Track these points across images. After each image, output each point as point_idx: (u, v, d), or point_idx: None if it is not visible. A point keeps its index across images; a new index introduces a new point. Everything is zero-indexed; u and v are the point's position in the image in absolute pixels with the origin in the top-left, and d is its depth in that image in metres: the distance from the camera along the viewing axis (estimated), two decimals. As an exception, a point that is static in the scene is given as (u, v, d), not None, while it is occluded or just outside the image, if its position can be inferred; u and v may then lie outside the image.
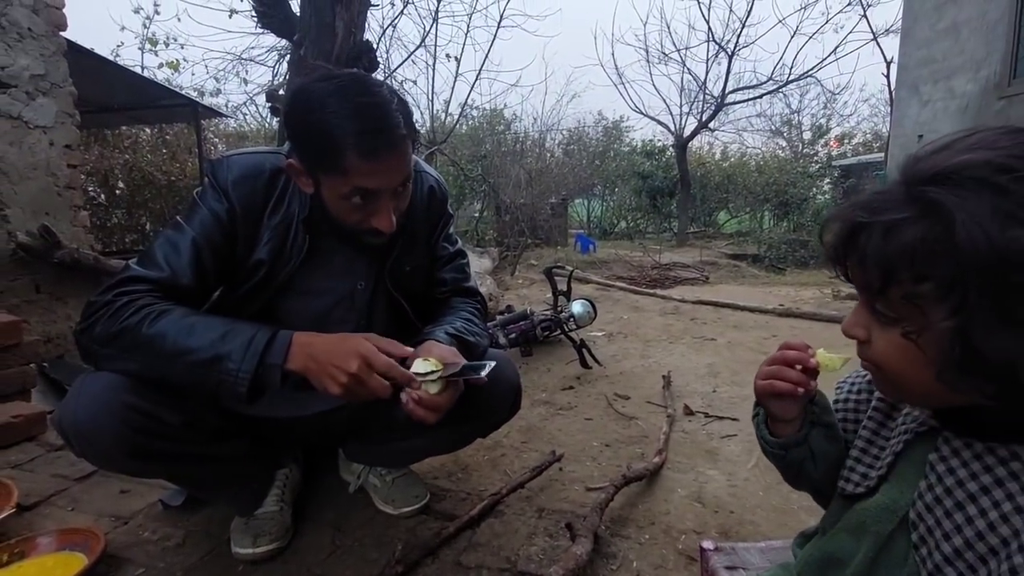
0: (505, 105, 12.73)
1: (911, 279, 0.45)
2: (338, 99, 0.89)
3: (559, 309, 3.05)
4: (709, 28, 10.93)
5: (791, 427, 0.66)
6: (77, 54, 3.20)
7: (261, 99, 8.56)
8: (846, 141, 16.04)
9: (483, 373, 0.96)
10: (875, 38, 9.56)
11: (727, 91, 11.22)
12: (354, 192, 0.93)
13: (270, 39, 6.74)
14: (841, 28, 15.24)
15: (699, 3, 10.78)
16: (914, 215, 0.45)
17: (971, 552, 0.47)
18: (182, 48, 9.10)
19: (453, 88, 7.92)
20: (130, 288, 0.95)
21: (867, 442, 0.62)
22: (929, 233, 0.44)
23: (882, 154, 8.52)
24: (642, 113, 12.21)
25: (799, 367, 0.61)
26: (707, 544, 0.82)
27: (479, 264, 5.04)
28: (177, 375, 0.92)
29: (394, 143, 0.92)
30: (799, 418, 0.65)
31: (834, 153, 15.07)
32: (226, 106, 8.76)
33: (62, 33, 2.95)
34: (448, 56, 7.97)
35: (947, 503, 0.50)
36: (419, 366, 0.93)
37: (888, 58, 8.96)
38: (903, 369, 0.50)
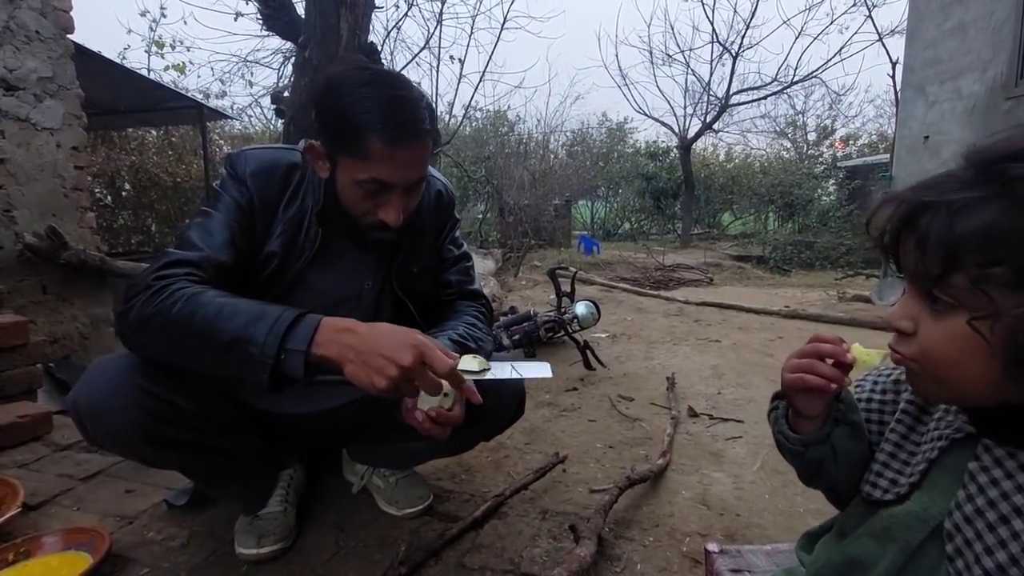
0: (509, 107, 12.80)
1: (980, 263, 0.42)
2: (371, 88, 0.92)
3: (563, 310, 3.04)
4: (713, 29, 10.95)
5: (813, 424, 0.62)
6: (84, 57, 3.22)
7: (266, 101, 8.61)
8: (851, 142, 15.98)
9: (526, 374, 0.92)
10: (880, 39, 9.51)
11: (731, 92, 11.22)
12: (370, 182, 0.94)
13: (275, 42, 6.81)
14: (846, 29, 15.31)
15: (703, 4, 10.79)
16: (989, 194, 0.42)
17: (1016, 569, 0.45)
18: (188, 51, 9.19)
19: (457, 90, 7.98)
20: (169, 272, 0.93)
21: (895, 446, 0.59)
22: (1007, 214, 0.41)
23: (887, 155, 8.51)
24: (646, 114, 12.24)
25: (831, 361, 0.57)
26: (712, 547, 0.81)
27: (482, 265, 5.05)
28: (205, 360, 0.90)
29: (418, 136, 0.94)
30: (823, 415, 0.61)
31: (839, 154, 15.00)
32: (231, 108, 8.82)
33: (69, 36, 2.97)
34: (452, 58, 7.97)
35: (990, 516, 0.48)
36: (467, 362, 0.85)
37: (894, 59, 8.91)
38: (958, 362, 0.46)
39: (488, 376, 0.85)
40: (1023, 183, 0.40)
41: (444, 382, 0.85)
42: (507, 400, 1.16)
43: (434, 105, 1.03)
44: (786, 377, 0.60)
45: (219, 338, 0.85)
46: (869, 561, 0.55)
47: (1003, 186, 0.42)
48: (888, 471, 0.58)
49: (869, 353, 0.58)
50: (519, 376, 0.93)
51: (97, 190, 6.41)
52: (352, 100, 0.91)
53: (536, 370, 0.94)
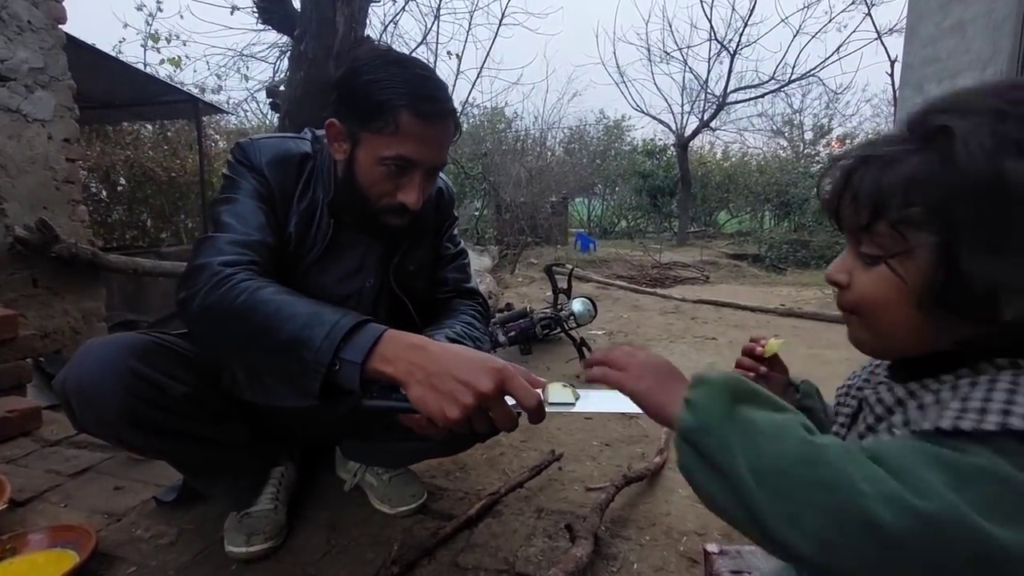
0: (506, 103, 12.79)
1: (901, 206, 0.45)
2: (398, 67, 0.93)
3: (559, 307, 3.03)
4: (711, 27, 10.93)
5: None
6: (77, 49, 3.19)
7: (262, 96, 8.56)
8: (848, 141, 15.99)
9: (616, 408, 0.73)
10: (879, 37, 9.52)
11: (729, 90, 11.20)
12: (395, 159, 0.93)
13: (271, 35, 6.75)
14: (844, 27, 15.19)
15: (701, 2, 10.77)
16: (916, 145, 0.45)
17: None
18: (184, 45, 9.15)
19: (454, 86, 7.89)
20: (230, 259, 0.90)
21: (839, 425, 0.61)
22: (928, 159, 0.44)
23: (885, 154, 8.51)
24: (643, 112, 12.21)
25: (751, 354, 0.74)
26: (711, 547, 0.80)
27: (479, 262, 5.03)
28: (264, 361, 0.86)
29: (445, 114, 0.96)
30: None
31: (836, 153, 15.01)
32: (227, 103, 8.78)
33: (61, 26, 2.93)
34: (449, 53, 7.95)
35: (876, 414, 0.53)
36: (558, 392, 0.72)
37: (892, 57, 8.94)
38: (882, 304, 0.49)
39: (578, 408, 0.71)
40: (943, 132, 0.43)
41: (571, 391, 0.72)
42: None
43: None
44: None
45: (276, 337, 0.80)
46: None
47: (925, 138, 0.45)
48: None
49: (774, 343, 0.75)
50: (609, 411, 0.78)
51: (92, 184, 6.36)
52: (381, 76, 0.92)
53: (624, 404, 0.80)
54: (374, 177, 0.97)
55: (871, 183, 0.46)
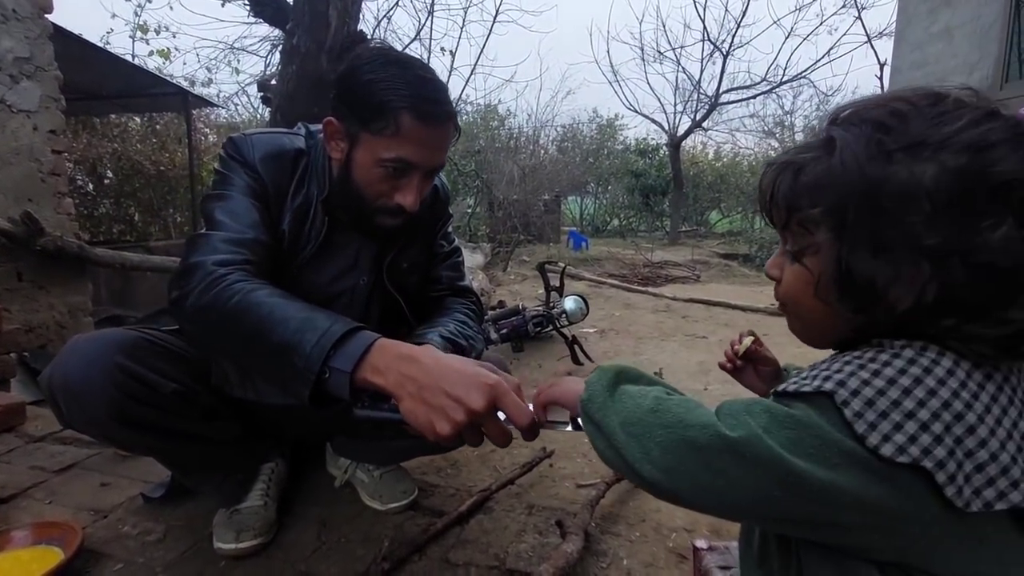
0: (500, 101, 12.72)
1: (807, 207, 0.50)
2: (399, 67, 0.92)
3: (551, 305, 3.03)
4: (704, 27, 11.00)
5: None
6: (64, 39, 3.14)
7: (252, 89, 8.49)
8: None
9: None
10: (869, 40, 9.60)
11: (721, 91, 11.26)
12: (395, 160, 0.92)
13: (263, 28, 6.71)
14: (835, 30, 15.35)
15: (695, 2, 10.85)
16: (818, 153, 0.50)
17: None
18: (174, 37, 8.94)
19: (448, 82, 7.86)
20: (225, 258, 0.89)
21: None
22: (824, 165, 0.49)
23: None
24: (636, 111, 12.26)
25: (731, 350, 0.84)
26: (700, 543, 0.81)
27: (471, 259, 5.02)
28: (256, 365, 0.85)
29: (446, 117, 0.95)
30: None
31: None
32: (217, 96, 8.70)
33: (48, 16, 2.89)
34: (443, 50, 7.93)
35: None
36: (559, 411, 0.70)
37: (881, 60, 9.02)
38: (798, 296, 0.54)
39: (573, 428, 0.68)
40: (838, 141, 0.49)
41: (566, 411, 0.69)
42: None
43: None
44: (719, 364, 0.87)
45: (268, 341, 0.79)
46: None
47: (822, 146, 0.50)
48: None
49: (746, 342, 0.82)
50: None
51: (78, 177, 6.28)
52: (382, 76, 0.90)
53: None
54: (371, 178, 0.96)
55: (786, 187, 0.52)
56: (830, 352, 0.57)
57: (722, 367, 0.85)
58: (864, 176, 0.46)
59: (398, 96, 0.89)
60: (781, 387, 0.50)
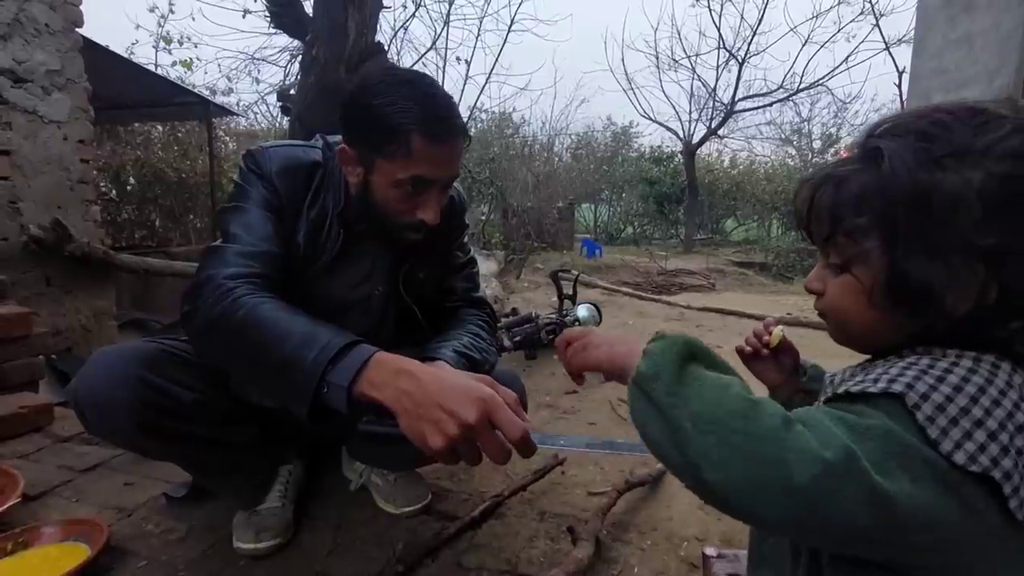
0: (514, 109, 12.80)
1: (852, 217, 0.51)
2: (407, 88, 0.93)
3: (564, 313, 3.04)
4: (720, 35, 10.97)
5: (781, 395, 0.78)
6: (92, 51, 3.24)
7: (272, 98, 8.65)
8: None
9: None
10: (887, 48, 9.52)
11: (737, 98, 11.23)
12: (411, 180, 0.95)
13: (282, 39, 6.82)
14: (853, 37, 15.14)
15: (710, 10, 10.80)
16: (861, 165, 0.51)
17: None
18: (195, 47, 9.18)
19: (463, 91, 7.95)
20: (236, 271, 0.91)
21: None
22: (869, 176, 0.50)
23: (892, 164, 8.49)
24: (651, 119, 12.27)
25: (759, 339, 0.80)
26: (710, 551, 0.81)
27: (485, 266, 5.05)
28: (261, 381, 0.86)
29: (456, 132, 0.96)
30: (790, 385, 0.77)
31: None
32: (237, 105, 8.85)
33: (78, 29, 2.98)
34: (458, 59, 8.00)
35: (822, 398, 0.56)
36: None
37: (900, 68, 8.92)
38: (846, 306, 0.54)
39: (564, 444, 0.75)
40: (879, 152, 0.49)
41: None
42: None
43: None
44: (736, 348, 0.83)
45: (271, 357, 0.80)
46: None
47: (865, 158, 0.51)
48: None
49: (777, 334, 0.79)
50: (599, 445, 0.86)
51: (102, 184, 6.43)
52: (388, 100, 0.91)
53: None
54: (391, 197, 0.98)
55: (828, 200, 0.53)
56: (842, 357, 0.58)
57: (740, 351, 0.82)
58: (915, 181, 0.46)
59: (407, 119, 0.90)
60: (839, 388, 0.49)
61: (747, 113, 12.24)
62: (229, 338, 0.86)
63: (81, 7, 2.99)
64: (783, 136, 14.93)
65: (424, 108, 0.91)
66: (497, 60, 9.30)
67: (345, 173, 1.03)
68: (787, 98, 11.71)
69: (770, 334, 0.79)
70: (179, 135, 7.58)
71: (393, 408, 0.71)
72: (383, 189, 0.98)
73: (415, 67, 7.43)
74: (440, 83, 1.02)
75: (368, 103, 0.94)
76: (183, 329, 0.95)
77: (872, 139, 0.52)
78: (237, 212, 1.02)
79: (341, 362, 0.76)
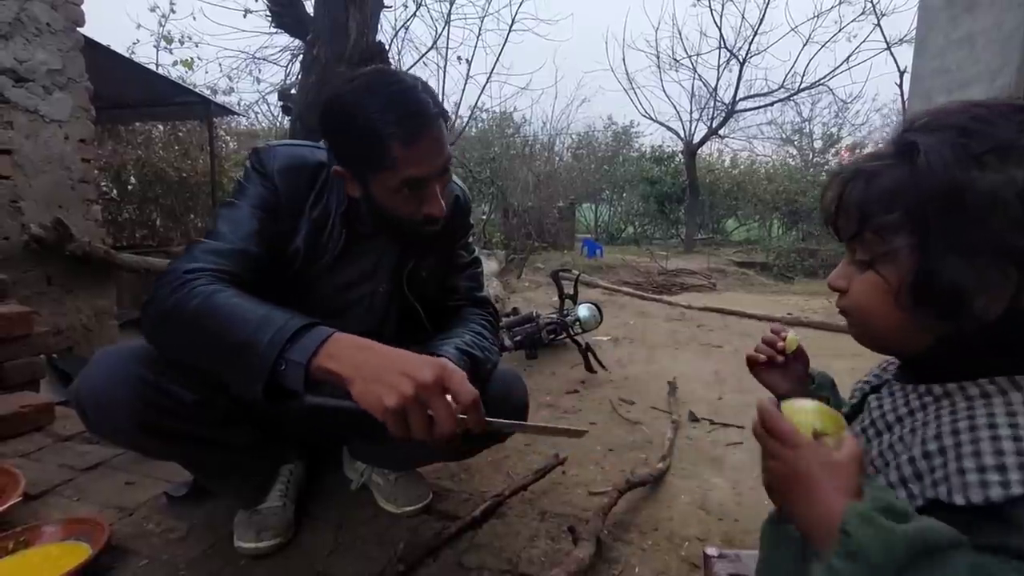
0: (515, 108, 12.78)
1: (882, 213, 0.49)
2: (371, 96, 0.91)
3: (565, 312, 3.04)
4: (721, 35, 10.96)
5: None
6: (93, 50, 3.24)
7: (273, 98, 8.66)
8: (857, 151, 15.89)
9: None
10: (889, 47, 9.51)
11: (738, 98, 11.22)
12: (404, 184, 0.95)
13: (283, 39, 6.82)
14: (854, 37, 15.13)
15: (711, 10, 10.80)
16: (894, 160, 0.50)
17: (900, 484, 0.49)
18: (196, 46, 9.20)
19: (464, 90, 7.93)
20: (198, 265, 0.91)
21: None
22: (903, 171, 0.48)
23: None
24: (652, 119, 12.26)
25: (772, 345, 0.77)
26: (711, 551, 0.81)
27: (486, 266, 5.03)
28: (217, 366, 0.86)
29: (430, 123, 0.94)
30: (795, 396, 0.71)
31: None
32: (238, 104, 8.86)
33: (79, 29, 2.99)
34: (459, 58, 8.01)
35: (870, 432, 0.56)
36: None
37: (901, 68, 8.91)
38: (871, 305, 0.52)
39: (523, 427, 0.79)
40: (915, 147, 0.48)
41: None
42: (512, 409, 1.16)
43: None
44: (747, 356, 0.80)
45: (227, 341, 0.80)
46: None
47: (900, 153, 0.49)
48: None
49: (793, 339, 0.77)
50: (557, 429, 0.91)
51: (103, 183, 6.43)
52: (364, 116, 0.91)
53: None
54: (395, 203, 0.99)
55: (858, 195, 0.51)
56: (845, 357, 0.57)
57: (752, 360, 0.79)
58: (951, 178, 0.45)
59: (381, 129, 0.90)
60: (981, 498, 0.41)
61: (748, 113, 12.26)
62: (183, 327, 0.85)
63: (82, 6, 2.99)
64: (784, 136, 14.94)
65: (394, 111, 0.90)
66: (498, 60, 9.30)
67: (347, 190, 1.04)
68: (788, 98, 11.72)
69: (783, 340, 0.76)
70: (180, 135, 7.58)
71: (349, 377, 0.73)
72: (385, 198, 0.99)
73: (416, 67, 7.45)
74: (402, 71, 1.00)
75: (344, 124, 0.94)
76: (140, 322, 0.93)
77: (908, 133, 0.50)
78: (228, 207, 1.03)
79: (299, 341, 0.77)
